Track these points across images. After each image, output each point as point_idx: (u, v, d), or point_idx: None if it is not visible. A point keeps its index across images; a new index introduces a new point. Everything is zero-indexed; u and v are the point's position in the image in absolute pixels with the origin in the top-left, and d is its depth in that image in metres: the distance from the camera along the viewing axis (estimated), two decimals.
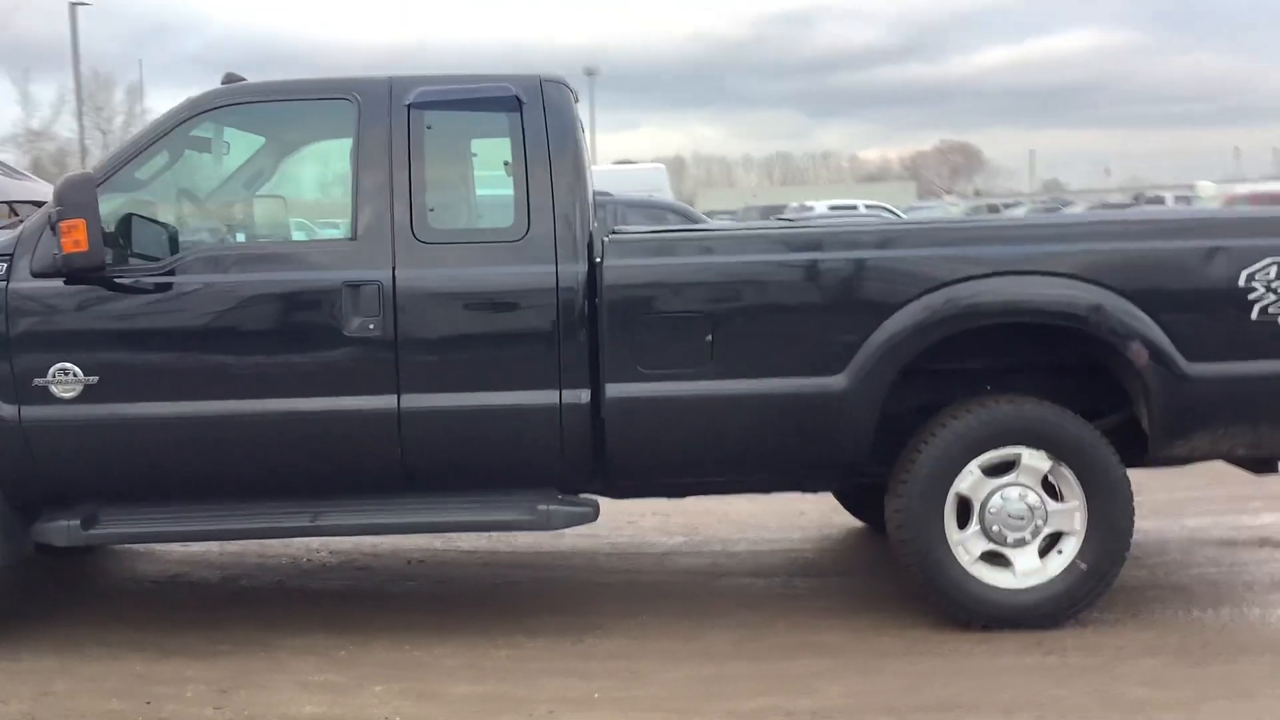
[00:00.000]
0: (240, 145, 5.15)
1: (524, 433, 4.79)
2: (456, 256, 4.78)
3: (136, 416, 4.74)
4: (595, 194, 11.60)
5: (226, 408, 4.75)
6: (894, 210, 29.31)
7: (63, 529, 4.79)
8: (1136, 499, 6.92)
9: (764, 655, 4.71)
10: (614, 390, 4.76)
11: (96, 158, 74.68)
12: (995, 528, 4.85)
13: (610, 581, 5.82)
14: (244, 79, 5.09)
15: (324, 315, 4.71)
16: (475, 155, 5.12)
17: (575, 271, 4.74)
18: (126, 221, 4.76)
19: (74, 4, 46.03)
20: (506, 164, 4.85)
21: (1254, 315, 4.78)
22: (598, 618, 5.21)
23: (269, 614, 5.38)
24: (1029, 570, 4.88)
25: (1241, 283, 4.77)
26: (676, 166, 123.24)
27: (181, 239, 4.81)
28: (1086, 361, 5.00)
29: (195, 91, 4.84)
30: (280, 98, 5.03)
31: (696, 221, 12.52)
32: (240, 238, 4.95)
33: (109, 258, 4.72)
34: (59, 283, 4.71)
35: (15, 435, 4.72)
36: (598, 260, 4.77)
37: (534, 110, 4.84)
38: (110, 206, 4.80)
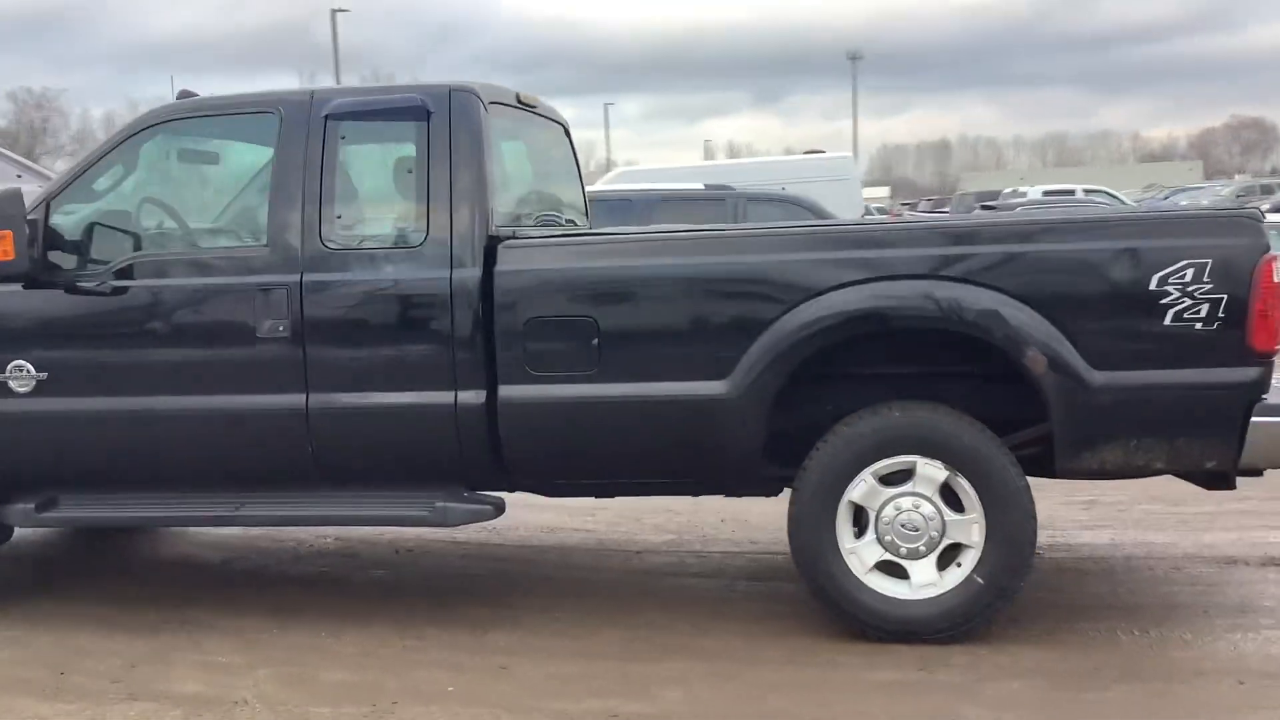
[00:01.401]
0: (185, 157, 5.49)
1: (425, 432, 4.95)
2: (360, 261, 4.98)
3: (81, 411, 5.15)
4: (712, 188, 11.58)
5: (159, 403, 5.10)
6: (1116, 195, 27.96)
7: (20, 512, 5.26)
8: (1178, 510, 6.69)
9: (640, 657, 4.74)
10: (507, 392, 4.88)
11: None
12: (889, 538, 4.73)
13: (567, 577, 5.94)
14: (196, 94, 5.43)
15: (241, 318, 5.00)
16: (384, 163, 5.27)
17: (470, 276, 4.86)
18: (89, 229, 5.18)
19: (335, 10, 48.82)
20: (410, 171, 5.01)
21: (1167, 321, 4.49)
22: (520, 613, 5.33)
23: (235, 595, 5.74)
24: (925, 582, 4.74)
25: (1153, 287, 4.49)
26: (941, 150, 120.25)
27: (124, 246, 5.16)
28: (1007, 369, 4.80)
29: None
30: (215, 112, 5.34)
31: (822, 215, 12.38)
32: (173, 245, 5.28)
33: (74, 263, 5.15)
34: (18, 287, 5.14)
35: None
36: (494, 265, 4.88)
37: (440, 120, 4.98)
38: (71, 215, 5.23)
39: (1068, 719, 4.07)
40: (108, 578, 6.19)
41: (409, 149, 5.05)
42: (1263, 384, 4.52)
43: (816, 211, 12.38)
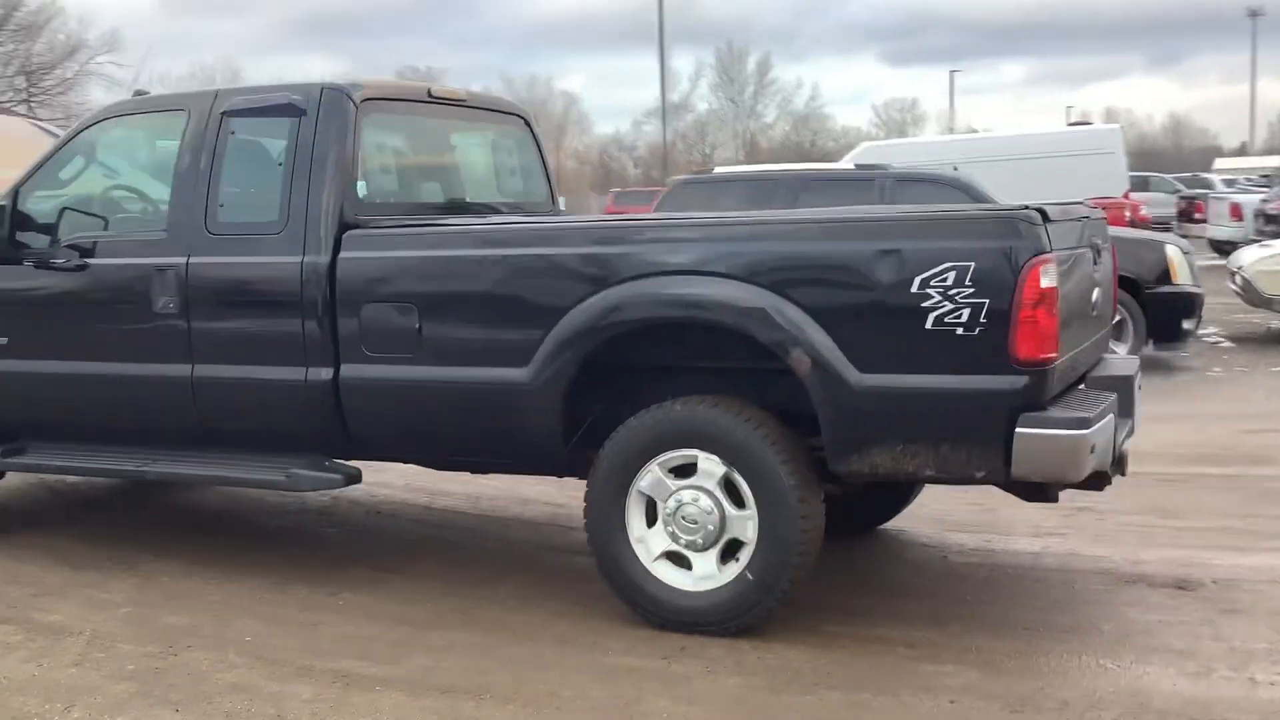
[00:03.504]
0: (128, 149, 6.15)
1: (282, 404, 5.41)
2: (234, 246, 5.48)
3: (27, 372, 5.93)
4: (863, 168, 11.52)
5: (82, 368, 5.81)
6: None
7: None
8: (1169, 524, 6.31)
9: (443, 625, 5.01)
10: (347, 370, 5.26)
11: (727, 129, 79.12)
12: (672, 529, 4.82)
13: (483, 547, 6.29)
14: (148, 93, 6.08)
15: (143, 295, 5.60)
16: (263, 156, 5.69)
17: (318, 262, 5.26)
18: (60, 213, 5.93)
19: None
20: (280, 164, 5.45)
21: (928, 325, 4.36)
22: (397, 578, 5.69)
23: (190, 542, 6.43)
24: (704, 575, 4.80)
25: (914, 289, 4.37)
26: None
27: (68, 229, 5.86)
28: None
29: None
30: (147, 110, 5.98)
31: (979, 197, 11.97)
32: (100, 228, 5.91)
33: (46, 243, 5.90)
34: None
35: None
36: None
37: (310, 117, 5.40)
38: (43, 201, 5.99)
39: (744, 717, 4.08)
40: (104, 518, 7.02)
41: (282, 143, 5.48)
42: (1030, 393, 4.31)
43: (973, 194, 11.96)
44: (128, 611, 5.32)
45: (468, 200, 6.25)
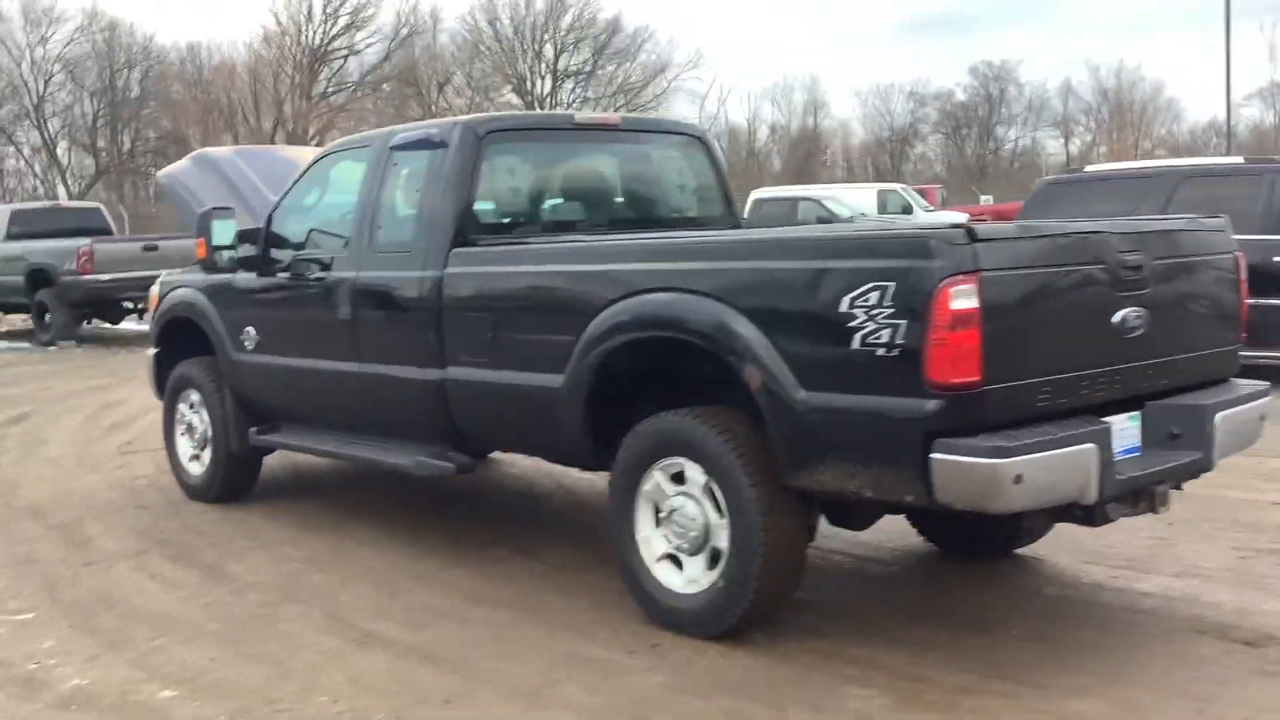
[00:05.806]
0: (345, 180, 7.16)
1: (412, 399, 6.22)
2: (385, 262, 6.35)
3: (269, 364, 7.16)
4: (1253, 161, 10.96)
5: (302, 363, 6.94)
6: None
7: (251, 433, 7.42)
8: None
9: (492, 602, 5.61)
10: (452, 372, 5.99)
11: None
12: (666, 532, 5.12)
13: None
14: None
15: (331, 303, 6.63)
16: (412, 184, 6.44)
17: (433, 275, 6.02)
18: (308, 233, 7.14)
19: None
20: (418, 190, 6.25)
21: (855, 345, 4.38)
22: (518, 557, 6.35)
23: (422, 518, 7.42)
24: (691, 578, 5.05)
25: (843, 309, 4.40)
26: None
27: (296, 248, 7.01)
28: None
29: None
30: (354, 147, 7.01)
31: None
32: (311, 248, 6.95)
33: (289, 259, 7.12)
34: (252, 275, 7.26)
35: (236, 371, 7.43)
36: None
37: (446, 150, 6.17)
38: (290, 224, 7.20)
39: (628, 708, 4.37)
40: (357, 490, 8.13)
41: (424, 172, 6.27)
42: (946, 418, 4.22)
43: None
44: (294, 568, 6.34)
45: (614, 218, 6.71)
